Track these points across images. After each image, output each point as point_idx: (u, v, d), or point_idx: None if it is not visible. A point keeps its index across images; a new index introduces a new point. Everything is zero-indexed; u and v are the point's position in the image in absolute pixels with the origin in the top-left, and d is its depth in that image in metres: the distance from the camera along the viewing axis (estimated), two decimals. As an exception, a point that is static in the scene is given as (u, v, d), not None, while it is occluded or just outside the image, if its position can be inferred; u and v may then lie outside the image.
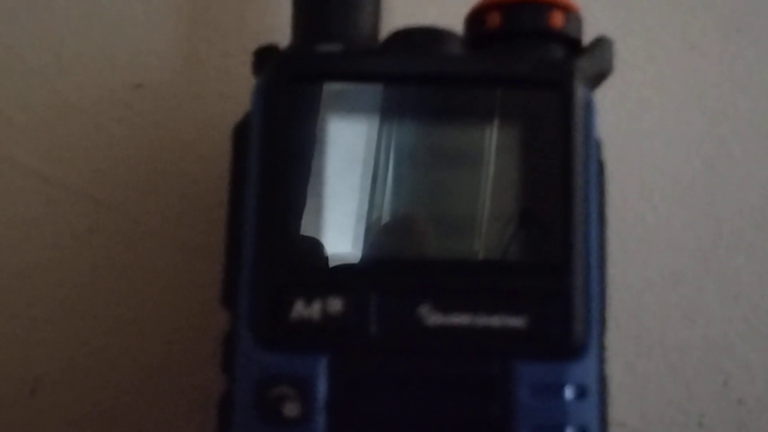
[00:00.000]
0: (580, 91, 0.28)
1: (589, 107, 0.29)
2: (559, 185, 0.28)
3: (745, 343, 0.39)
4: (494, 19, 0.30)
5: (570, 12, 0.30)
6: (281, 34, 0.33)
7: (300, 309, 0.27)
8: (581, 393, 0.27)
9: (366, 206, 0.28)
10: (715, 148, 0.40)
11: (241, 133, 0.29)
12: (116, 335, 0.36)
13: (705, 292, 0.39)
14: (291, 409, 0.26)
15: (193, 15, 0.39)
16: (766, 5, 0.41)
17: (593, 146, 0.29)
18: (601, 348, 0.28)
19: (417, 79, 0.28)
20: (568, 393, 0.27)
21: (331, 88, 0.28)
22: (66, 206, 0.37)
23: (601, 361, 0.28)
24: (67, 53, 0.38)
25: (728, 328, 0.39)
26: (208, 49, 0.38)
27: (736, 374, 0.39)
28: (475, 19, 0.31)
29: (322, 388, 0.27)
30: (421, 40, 0.29)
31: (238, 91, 0.36)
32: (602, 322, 0.28)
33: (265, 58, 0.30)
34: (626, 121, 0.40)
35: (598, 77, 0.30)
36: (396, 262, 0.28)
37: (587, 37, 0.31)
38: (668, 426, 0.39)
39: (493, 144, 0.29)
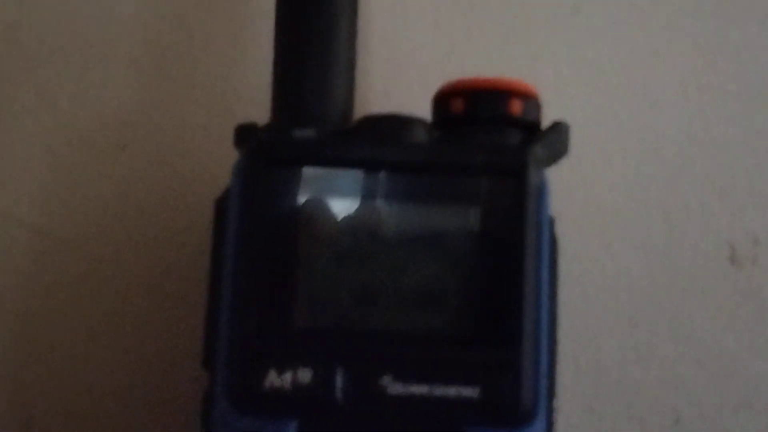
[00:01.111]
0: (533, 177, 0.31)
1: (542, 190, 0.31)
2: (512, 264, 0.30)
3: (697, 383, 0.41)
4: (457, 105, 0.32)
5: (529, 99, 0.32)
6: (264, 94, 0.35)
7: (272, 378, 0.29)
8: (528, 457, 0.30)
9: (334, 282, 0.31)
10: (673, 201, 0.42)
11: (222, 206, 0.32)
12: (107, 374, 0.39)
13: (659, 335, 0.42)
14: (263, 470, 0.29)
15: (180, 76, 0.41)
16: (726, 63, 0.43)
17: (545, 225, 0.31)
18: (549, 412, 0.31)
19: (384, 165, 0.31)
20: (517, 457, 0.30)
21: (303, 172, 0.31)
22: (58, 257, 0.39)
23: (549, 425, 0.31)
24: (61, 114, 0.40)
25: (681, 369, 0.41)
26: (194, 108, 0.41)
27: (688, 412, 0.41)
28: (440, 102, 0.33)
29: (291, 451, 0.29)
30: (388, 127, 0.32)
31: (221, 148, 0.38)
32: (551, 389, 0.31)
33: (245, 135, 0.33)
34: (589, 174, 0.42)
35: (553, 159, 0.33)
36: (361, 334, 0.30)
37: (548, 96, 0.33)
38: (623, 464, 0.41)
39: (453, 224, 0.31)
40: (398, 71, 0.40)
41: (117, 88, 0.40)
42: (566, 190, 0.33)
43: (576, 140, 0.34)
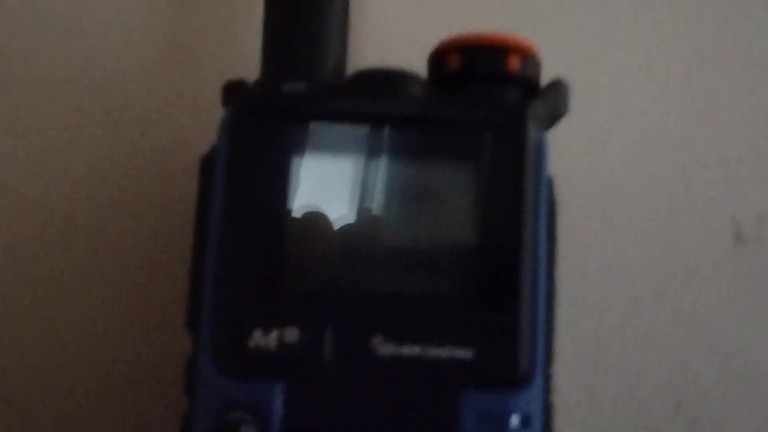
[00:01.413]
0: (532, 134, 0.30)
1: (541, 149, 0.30)
2: (509, 223, 0.29)
3: (699, 365, 0.40)
4: (454, 61, 0.31)
5: (527, 56, 0.31)
6: (257, 60, 0.34)
7: (258, 338, 0.28)
8: (525, 421, 0.29)
9: (324, 240, 0.30)
10: (676, 179, 0.41)
11: (207, 165, 0.30)
12: (91, 351, 0.38)
13: (661, 318, 0.41)
14: (248, 433, 0.28)
15: (170, 41, 0.40)
16: (729, 37, 0.42)
17: (544, 186, 0.30)
18: (547, 378, 0.30)
19: (377, 120, 0.30)
20: (513, 421, 0.29)
21: (293, 126, 0.30)
22: (42, 225, 0.38)
23: (547, 390, 0.30)
24: (49, 79, 0.39)
25: (683, 350, 0.40)
26: (184, 75, 0.40)
27: (689, 394, 0.40)
28: (436, 59, 0.32)
29: (277, 413, 0.28)
30: (383, 81, 0.30)
31: (212, 115, 0.37)
32: (548, 353, 0.30)
33: (233, 92, 0.32)
34: (589, 151, 0.41)
35: (553, 118, 0.32)
36: (351, 294, 0.29)
37: (552, 69, 0.32)
38: (624, 446, 0.40)
39: (448, 182, 0.30)
40: (393, 33, 0.39)
41: (105, 53, 0.39)
42: (565, 167, 0.32)
43: (576, 118, 0.33)
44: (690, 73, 0.42)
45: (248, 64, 0.34)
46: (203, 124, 0.39)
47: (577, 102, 0.33)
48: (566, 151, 0.33)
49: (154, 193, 0.38)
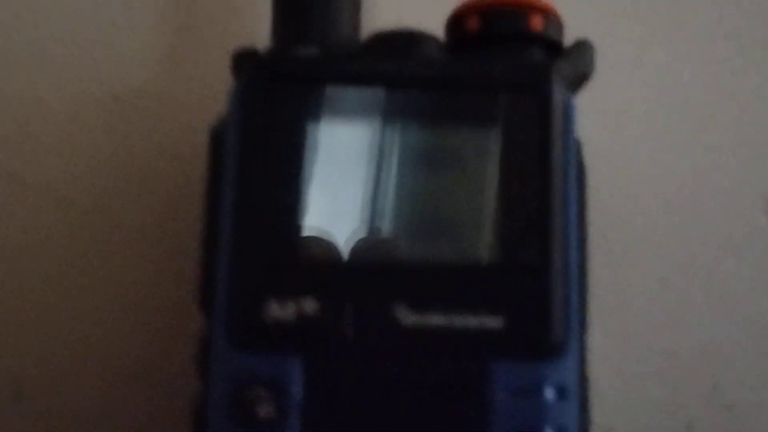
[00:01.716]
0: (558, 93, 0.28)
1: (568, 109, 0.29)
2: (537, 186, 0.28)
3: (734, 347, 0.39)
4: (473, 23, 0.30)
5: (549, 15, 0.30)
6: (264, 39, 0.33)
7: (274, 309, 0.27)
8: (560, 393, 0.27)
9: (343, 208, 0.28)
10: (702, 154, 0.40)
11: (218, 135, 0.29)
12: (97, 337, 0.36)
13: (692, 296, 0.39)
14: (265, 411, 0.26)
15: (176, 21, 0.39)
16: (753, 12, 0.41)
17: (572, 148, 0.29)
18: (582, 349, 0.28)
19: (394, 82, 0.28)
20: (547, 393, 0.27)
21: (307, 90, 0.28)
22: (47, 210, 0.37)
23: (582, 361, 0.28)
24: (51, 60, 0.38)
25: (716, 332, 0.39)
26: (191, 55, 0.38)
27: (725, 378, 0.39)
28: (455, 22, 0.31)
29: (296, 389, 0.26)
30: (399, 43, 0.29)
31: (220, 95, 0.36)
32: (582, 322, 0.28)
33: (243, 61, 0.30)
34: (613, 126, 0.40)
35: (579, 80, 0.30)
36: (372, 262, 0.28)
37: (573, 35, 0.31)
38: (657, 431, 0.38)
39: (471, 146, 0.29)
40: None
41: (109, 34, 0.38)
42: (588, 143, 0.31)
43: (599, 91, 0.32)
44: (714, 46, 0.41)
45: (256, 43, 0.33)
46: (211, 106, 0.37)
47: (595, 79, 0.31)
48: (587, 125, 0.32)
49: (163, 178, 0.37)
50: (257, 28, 0.37)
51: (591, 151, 0.31)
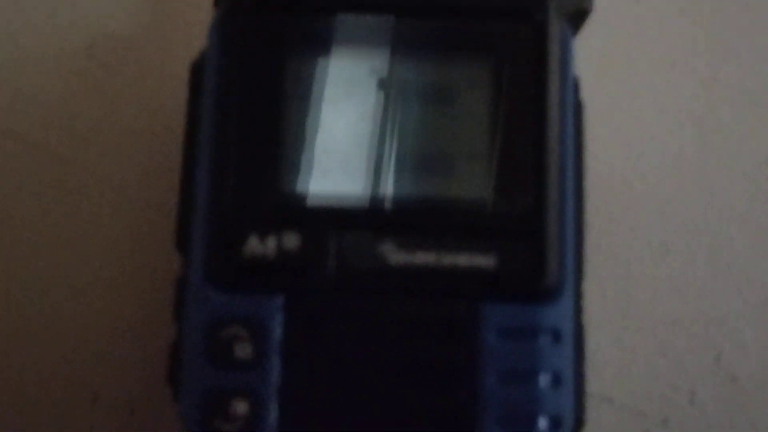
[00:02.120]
0: (555, 24, 0.27)
1: (565, 43, 0.27)
2: (532, 121, 0.26)
3: (739, 317, 0.37)
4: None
5: (547, -54, 0.29)
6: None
7: (254, 245, 0.25)
8: (554, 337, 0.26)
9: (327, 142, 0.27)
10: (706, 115, 0.39)
11: (198, 69, 0.28)
12: (79, 296, 0.35)
13: (696, 263, 0.38)
14: (243, 351, 0.25)
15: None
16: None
17: (570, 84, 0.27)
18: (578, 294, 0.27)
19: (384, 9, 0.27)
20: (540, 337, 0.25)
21: (292, 19, 0.27)
22: (24, 160, 0.36)
23: (578, 308, 0.27)
24: (28, 4, 0.37)
25: (720, 302, 0.37)
26: (178, 24, 0.37)
27: (729, 349, 0.37)
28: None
29: (276, 329, 0.25)
30: None
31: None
32: (578, 267, 0.27)
33: (226, -8, 0.29)
34: (613, 84, 0.38)
35: (577, 14, 0.29)
36: (358, 197, 0.26)
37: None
38: (658, 402, 0.37)
39: (465, 80, 0.27)
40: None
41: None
42: (587, 104, 0.30)
43: (599, 48, 0.30)
44: (720, 6, 0.39)
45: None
46: (196, 54, 0.36)
47: (595, 38, 0.30)
48: (585, 85, 0.30)
49: (144, 126, 0.36)
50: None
51: (589, 112, 0.29)
